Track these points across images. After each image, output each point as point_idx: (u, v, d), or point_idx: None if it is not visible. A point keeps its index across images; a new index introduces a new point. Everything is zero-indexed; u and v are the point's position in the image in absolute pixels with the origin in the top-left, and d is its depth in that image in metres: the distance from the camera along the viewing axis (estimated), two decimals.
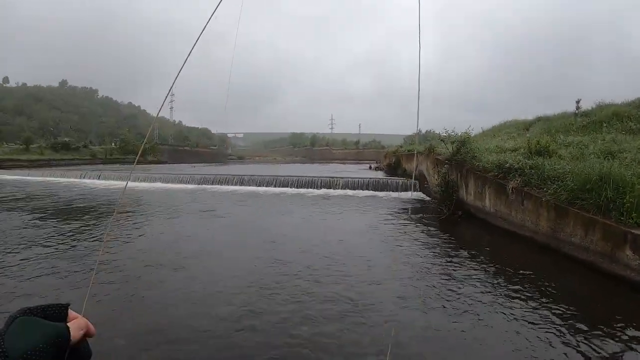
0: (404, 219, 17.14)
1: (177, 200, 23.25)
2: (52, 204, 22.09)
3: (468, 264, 10.46)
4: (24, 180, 37.09)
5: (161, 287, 8.87)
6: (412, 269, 10.06)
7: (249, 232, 14.89)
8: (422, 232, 14.46)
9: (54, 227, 15.66)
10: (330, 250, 11.65)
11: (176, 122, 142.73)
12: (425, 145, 26.72)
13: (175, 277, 9.53)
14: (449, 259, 10.91)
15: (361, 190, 26.04)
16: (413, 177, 28.19)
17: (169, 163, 71.53)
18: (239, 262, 10.83)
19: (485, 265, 10.34)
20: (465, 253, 11.57)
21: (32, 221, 16.62)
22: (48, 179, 37.94)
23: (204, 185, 30.61)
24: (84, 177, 37.02)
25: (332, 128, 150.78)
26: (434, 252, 11.65)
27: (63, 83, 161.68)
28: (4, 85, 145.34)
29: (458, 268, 10.08)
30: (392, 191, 25.57)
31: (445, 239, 13.61)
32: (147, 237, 13.90)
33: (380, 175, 33.28)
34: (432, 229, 15.11)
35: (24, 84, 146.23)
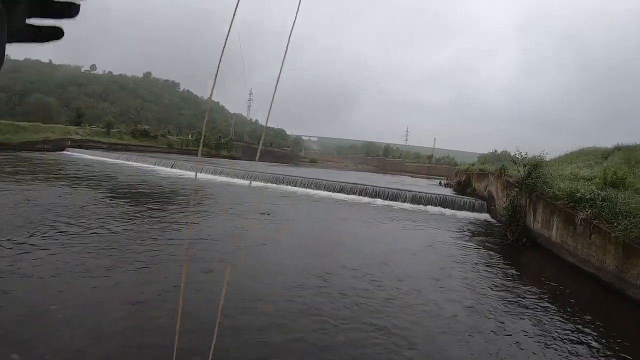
0: (467, 240, 16.90)
1: (244, 197, 23.92)
2: (126, 185, 24.04)
3: (525, 298, 10.10)
4: (102, 161, 39.96)
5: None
6: (465, 295, 9.92)
7: (310, 236, 15.32)
8: (482, 256, 14.24)
9: (126, 206, 17.11)
10: (384, 265, 11.69)
11: (253, 120, 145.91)
12: (497, 166, 26.26)
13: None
14: (505, 290, 10.61)
15: (428, 206, 25.94)
16: (481, 198, 27.63)
17: (243, 159, 73.19)
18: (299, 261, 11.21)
19: (543, 302, 9.94)
20: (523, 285, 11.21)
21: (105, 199, 18.12)
22: (125, 162, 40.66)
23: (267, 184, 31.32)
24: (157, 164, 39.17)
25: (406, 140, 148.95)
26: (491, 280, 11.37)
27: (147, 74, 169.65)
28: (92, 71, 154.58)
29: (513, 302, 9.77)
30: (459, 210, 25.34)
31: (505, 267, 13.26)
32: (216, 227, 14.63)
33: (448, 192, 32.76)
34: (493, 253, 14.82)
35: (110, 72, 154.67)
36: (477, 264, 13.11)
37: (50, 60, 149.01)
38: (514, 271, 12.94)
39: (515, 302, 9.78)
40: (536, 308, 9.45)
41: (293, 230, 15.96)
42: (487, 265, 13.16)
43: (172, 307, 7.04)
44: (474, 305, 9.17)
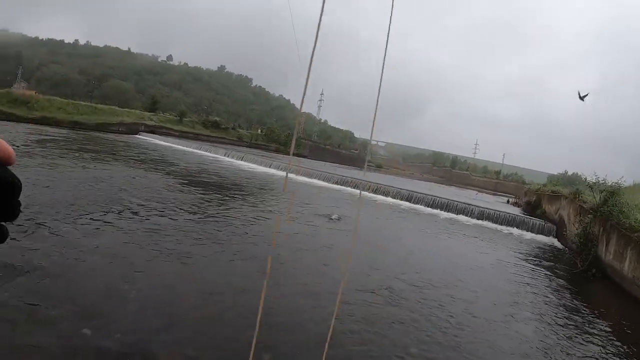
0: (534, 263, 15.66)
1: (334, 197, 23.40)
2: (195, 173, 24.19)
3: (589, 334, 8.98)
4: (173, 148, 40.83)
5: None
6: (525, 323, 8.98)
7: (373, 244, 14.36)
8: (548, 284, 13.00)
9: (198, 193, 17.14)
10: (448, 285, 10.71)
11: (322, 120, 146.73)
12: (570, 189, 24.91)
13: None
14: (568, 322, 9.52)
15: (495, 224, 24.46)
16: (551, 221, 25.87)
17: (309, 158, 73.26)
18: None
19: (612, 340, 8.87)
20: (588, 320, 10.04)
21: (177, 185, 18.24)
22: (195, 150, 41.21)
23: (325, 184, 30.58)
24: (227, 156, 39.46)
25: (475, 153, 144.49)
26: (554, 310, 10.27)
27: (221, 68, 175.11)
28: (168, 62, 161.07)
29: (575, 337, 8.69)
30: (527, 231, 23.83)
31: (571, 297, 11.96)
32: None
33: (516, 211, 30.95)
34: (560, 281, 13.60)
35: (185, 64, 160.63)
36: (544, 291, 11.98)
37: (129, 49, 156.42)
38: (582, 303, 11.61)
39: (583, 337, 8.76)
40: (605, 345, 8.55)
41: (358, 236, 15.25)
42: (555, 294, 12.01)
43: (249, 300, 7.11)
44: (543, 339, 8.20)
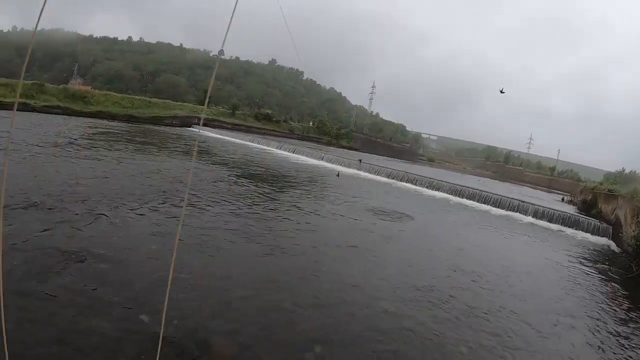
0: (587, 265, 14.67)
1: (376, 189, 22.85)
2: (247, 164, 24.52)
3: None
4: (225, 140, 41.29)
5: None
6: (576, 329, 8.30)
7: (426, 240, 14.36)
8: (600, 288, 12.11)
9: (249, 185, 17.37)
10: (501, 284, 10.25)
11: (374, 113, 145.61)
12: (628, 188, 23.48)
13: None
14: (621, 330, 8.74)
15: (549, 223, 23.23)
16: (607, 222, 24.26)
17: (361, 151, 72.79)
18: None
19: None
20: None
21: (230, 177, 18.39)
22: (247, 143, 41.49)
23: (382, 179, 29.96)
24: (280, 148, 39.55)
25: (529, 148, 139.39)
26: (606, 316, 9.47)
27: (272, 62, 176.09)
28: (220, 56, 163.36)
29: (629, 346, 7.92)
30: (582, 231, 22.49)
31: (625, 303, 11.02)
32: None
33: (571, 210, 29.26)
34: (614, 285, 12.67)
35: (237, 58, 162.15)
36: (595, 296, 11.14)
37: (182, 44, 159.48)
38: (633, 306, 10.70)
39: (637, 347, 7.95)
40: None
41: (410, 229, 15.00)
42: (607, 299, 11.12)
43: (304, 290, 7.35)
44: (594, 348, 7.63)
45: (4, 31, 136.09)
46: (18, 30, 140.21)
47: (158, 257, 7.62)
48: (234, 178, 17.96)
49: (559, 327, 8.21)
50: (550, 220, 23.50)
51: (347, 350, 5.66)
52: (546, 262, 13.94)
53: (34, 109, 35.45)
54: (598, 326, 8.63)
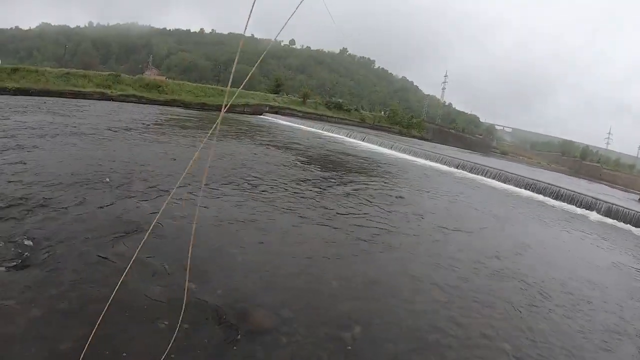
0: None
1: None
2: (315, 151, 24.51)
3: None
4: (295, 127, 41.86)
5: None
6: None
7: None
8: None
9: (315, 170, 17.53)
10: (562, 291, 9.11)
11: (446, 103, 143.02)
12: None
13: None
14: None
15: (623, 223, 21.22)
16: None
17: (433, 142, 71.59)
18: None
19: None
20: None
21: (296, 162, 18.56)
22: (318, 130, 41.74)
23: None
24: (349, 137, 39.43)
25: (607, 143, 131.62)
26: None
27: (343, 51, 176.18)
28: (290, 46, 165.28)
29: None
30: None
31: None
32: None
33: None
34: None
35: (308, 47, 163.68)
36: None
37: (253, 35, 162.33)
38: None
39: None
40: None
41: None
42: None
43: (350, 271, 7.39)
44: None
45: (81, 26, 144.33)
46: (94, 25, 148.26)
47: (214, 233, 8.00)
48: (299, 163, 18.13)
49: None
50: (624, 221, 21.74)
51: (387, 334, 5.63)
52: (609, 264, 12.65)
53: (110, 98, 37.45)
54: None
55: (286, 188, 12.64)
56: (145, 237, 4.13)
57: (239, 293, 5.89)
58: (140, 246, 3.89)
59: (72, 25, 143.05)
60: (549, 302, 7.89)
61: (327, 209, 11.14)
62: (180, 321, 4.36)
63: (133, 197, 9.25)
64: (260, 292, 6.02)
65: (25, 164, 10.68)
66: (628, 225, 21.14)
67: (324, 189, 13.58)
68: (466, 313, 6.58)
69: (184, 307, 4.08)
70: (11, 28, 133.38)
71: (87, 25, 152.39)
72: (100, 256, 6.17)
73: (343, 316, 5.79)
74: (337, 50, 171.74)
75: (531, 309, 7.37)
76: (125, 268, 3.67)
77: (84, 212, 7.75)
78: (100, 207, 8.21)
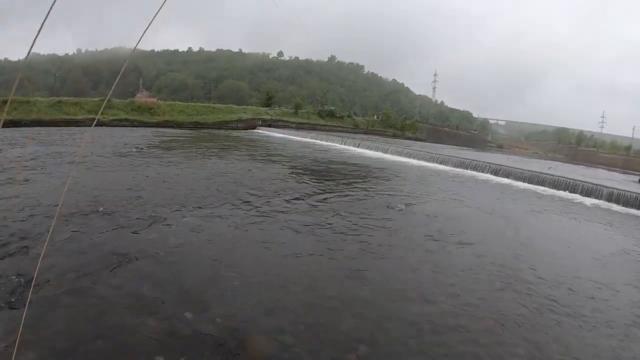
0: None
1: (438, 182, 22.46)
2: (311, 162, 24.39)
3: None
4: (289, 139, 41.79)
5: None
6: None
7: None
8: None
9: (310, 182, 17.43)
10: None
11: (438, 101, 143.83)
12: None
13: None
14: None
15: (623, 207, 20.83)
16: None
17: (428, 141, 71.69)
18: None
19: None
20: None
21: (293, 175, 18.48)
22: (311, 140, 41.71)
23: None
24: (344, 144, 39.41)
25: (602, 127, 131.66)
26: None
27: (332, 58, 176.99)
28: (279, 57, 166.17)
29: None
30: None
31: None
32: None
33: None
34: None
35: (296, 57, 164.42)
36: None
37: (241, 49, 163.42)
38: None
39: None
40: None
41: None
42: None
43: (355, 291, 7.06)
44: None
45: (69, 54, 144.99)
46: (83, 52, 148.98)
47: (210, 257, 7.83)
48: (295, 176, 18.06)
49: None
50: (624, 204, 21.30)
51: (392, 352, 5.44)
52: (612, 249, 12.30)
53: (102, 124, 37.42)
54: None
55: (280, 204, 12.50)
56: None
57: (237, 320, 5.73)
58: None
59: (61, 54, 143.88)
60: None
61: (323, 224, 10.91)
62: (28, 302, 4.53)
63: (126, 226, 9.10)
64: (259, 318, 5.87)
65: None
66: (623, 207, 20.92)
67: (320, 203, 13.41)
68: (474, 328, 6.29)
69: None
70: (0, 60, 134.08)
71: (75, 52, 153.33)
72: (96, 291, 6.04)
73: (346, 337, 5.61)
74: (325, 59, 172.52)
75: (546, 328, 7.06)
76: None
77: (78, 246, 7.63)
78: (94, 238, 8.10)
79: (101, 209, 10.10)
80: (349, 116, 76.12)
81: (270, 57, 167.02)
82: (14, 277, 6.18)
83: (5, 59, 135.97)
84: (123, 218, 9.59)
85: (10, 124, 31.59)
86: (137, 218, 9.63)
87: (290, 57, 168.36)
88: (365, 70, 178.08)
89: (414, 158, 32.35)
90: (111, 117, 39.43)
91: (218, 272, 7.28)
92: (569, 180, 24.44)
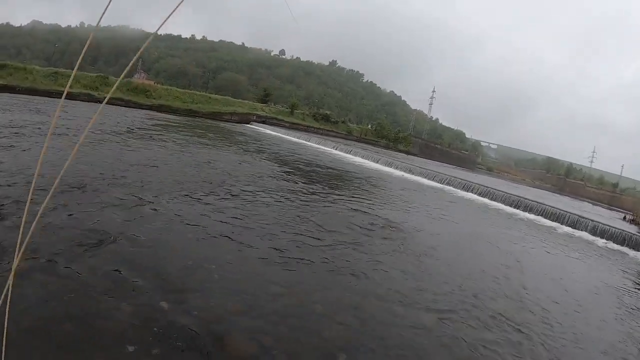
0: None
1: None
2: (301, 163, 24.26)
3: None
4: (282, 138, 41.71)
5: None
6: None
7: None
8: None
9: (299, 182, 17.31)
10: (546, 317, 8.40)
11: (433, 118, 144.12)
12: None
13: None
14: None
15: (607, 241, 21.28)
16: None
17: (419, 156, 71.94)
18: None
19: None
20: None
21: (281, 174, 18.22)
22: (304, 142, 41.73)
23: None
24: (336, 149, 39.48)
25: (591, 162, 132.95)
26: None
27: (332, 63, 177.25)
28: (280, 56, 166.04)
29: None
30: None
31: None
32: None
33: (634, 230, 26.32)
34: None
35: (298, 58, 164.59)
36: None
37: (243, 43, 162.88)
38: None
39: None
40: None
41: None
42: None
43: (336, 295, 6.92)
44: None
45: (72, 26, 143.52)
46: (85, 25, 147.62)
47: (192, 246, 7.59)
48: (284, 174, 17.92)
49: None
50: (608, 239, 21.39)
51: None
52: (599, 283, 12.41)
53: (97, 100, 36.77)
54: None
55: (269, 202, 12.29)
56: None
57: (216, 315, 5.46)
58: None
59: (64, 25, 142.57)
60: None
61: (311, 226, 10.69)
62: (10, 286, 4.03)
63: (109, 205, 8.78)
64: (239, 315, 5.60)
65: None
66: (607, 241, 21.30)
67: (308, 204, 13.24)
68: (456, 336, 6.24)
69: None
70: (2, 24, 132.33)
71: (78, 25, 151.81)
72: (70, 270, 5.72)
73: (328, 343, 5.40)
74: (326, 63, 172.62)
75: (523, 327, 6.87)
76: None
77: (57, 221, 7.31)
78: (75, 215, 7.78)
79: (85, 184, 9.80)
80: (343, 122, 76.33)
81: (272, 54, 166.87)
82: None
83: (8, 22, 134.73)
84: (106, 197, 9.28)
85: (5, 89, 31.20)
86: (121, 198, 9.32)
87: (292, 56, 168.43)
88: (365, 79, 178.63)
89: (398, 169, 32.44)
90: (106, 95, 38.85)
91: (198, 262, 7.00)
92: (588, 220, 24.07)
